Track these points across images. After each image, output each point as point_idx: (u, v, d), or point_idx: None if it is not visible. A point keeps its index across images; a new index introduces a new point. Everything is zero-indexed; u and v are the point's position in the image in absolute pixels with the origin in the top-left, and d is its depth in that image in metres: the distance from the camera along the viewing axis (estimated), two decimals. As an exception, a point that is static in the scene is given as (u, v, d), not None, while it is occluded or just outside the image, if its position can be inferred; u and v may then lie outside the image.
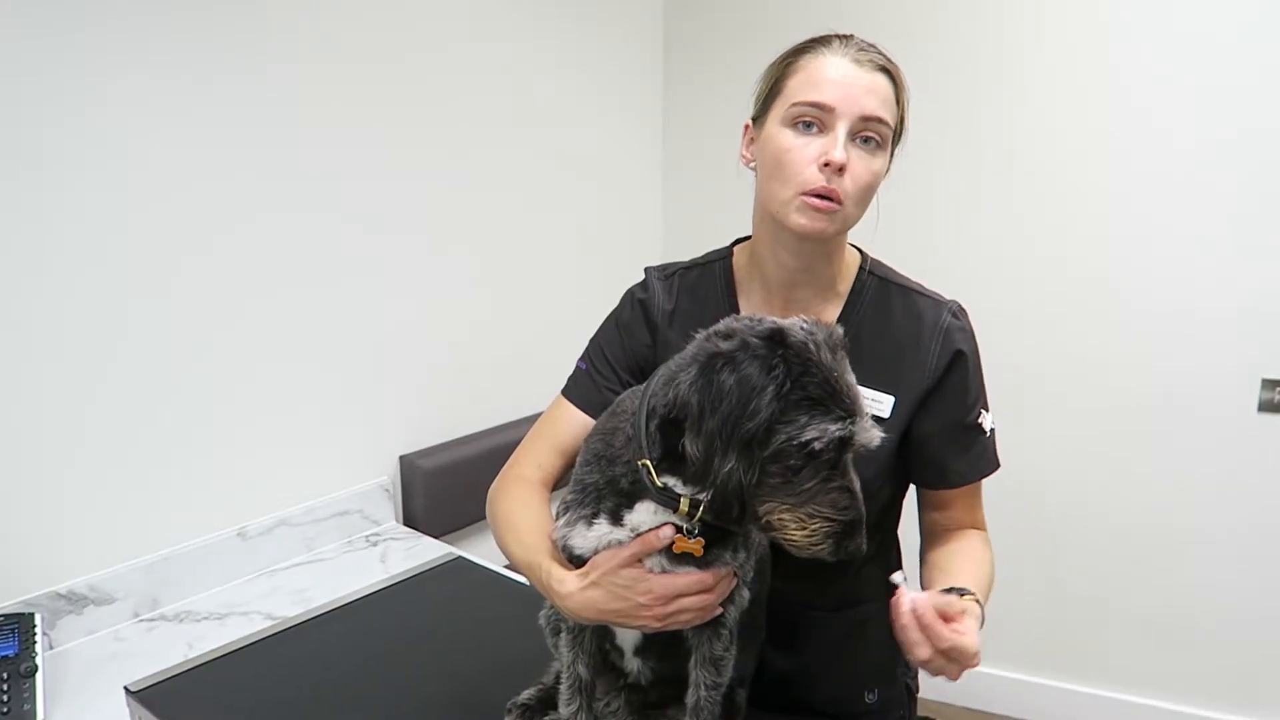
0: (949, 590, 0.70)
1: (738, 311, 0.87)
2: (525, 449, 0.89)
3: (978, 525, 0.88)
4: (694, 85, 2.01)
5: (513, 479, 0.87)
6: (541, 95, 1.72)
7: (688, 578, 0.67)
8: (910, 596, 0.64)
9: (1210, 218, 1.58)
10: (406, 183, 1.49)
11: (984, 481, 0.88)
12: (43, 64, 1.03)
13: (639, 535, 0.67)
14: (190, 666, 0.99)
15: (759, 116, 0.82)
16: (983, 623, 0.71)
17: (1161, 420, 1.68)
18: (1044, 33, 1.65)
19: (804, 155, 0.75)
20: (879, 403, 0.80)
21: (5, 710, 0.94)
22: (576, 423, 0.87)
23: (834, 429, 0.58)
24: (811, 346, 0.60)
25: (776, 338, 0.60)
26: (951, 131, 1.75)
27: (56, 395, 1.10)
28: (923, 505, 0.89)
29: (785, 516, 0.61)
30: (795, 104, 0.76)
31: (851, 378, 0.62)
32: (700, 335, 0.65)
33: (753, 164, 0.83)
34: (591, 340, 0.93)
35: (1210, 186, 1.57)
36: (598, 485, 0.70)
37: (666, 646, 0.74)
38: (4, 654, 0.99)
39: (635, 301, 0.90)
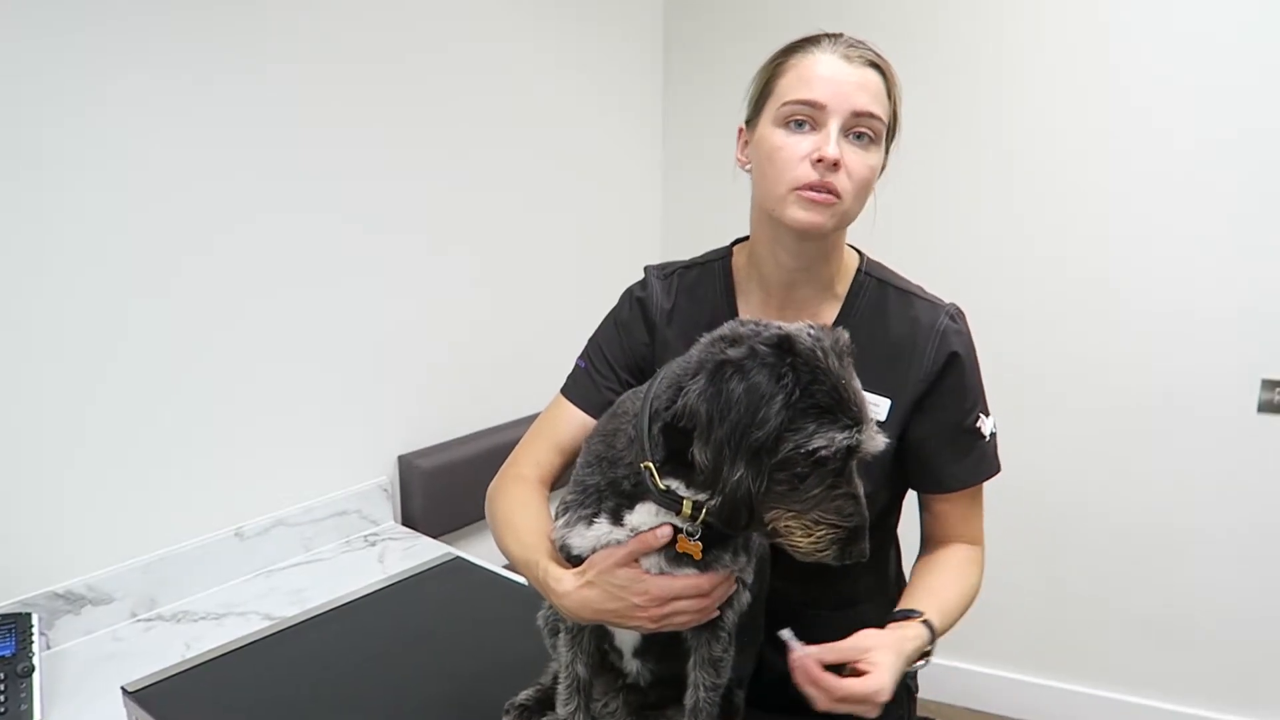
0: (902, 612, 0.74)
1: (736, 311, 0.87)
2: (524, 448, 0.90)
3: (973, 539, 0.87)
4: (694, 85, 2.01)
5: (512, 478, 0.87)
6: (541, 95, 1.72)
7: (684, 581, 0.67)
8: (797, 653, 0.67)
9: (1210, 218, 1.58)
10: (406, 183, 1.49)
11: (984, 482, 0.87)
12: (43, 64, 1.03)
13: (637, 535, 0.67)
14: (188, 667, 0.99)
15: (752, 119, 0.82)
16: (932, 641, 0.73)
17: (1161, 420, 1.68)
18: (1044, 33, 1.65)
19: (797, 152, 0.75)
20: (876, 406, 0.80)
21: (3, 710, 0.94)
22: (575, 421, 0.87)
23: (841, 438, 0.58)
24: (819, 354, 0.60)
25: (785, 345, 0.60)
26: (951, 131, 1.75)
27: (56, 395, 1.10)
28: (921, 511, 0.89)
29: (791, 523, 0.61)
30: (786, 103, 0.76)
31: (858, 384, 0.62)
32: (705, 339, 0.65)
33: (748, 167, 0.83)
34: (591, 339, 0.93)
35: (1210, 186, 1.57)
36: (599, 487, 0.70)
37: (665, 648, 0.74)
38: (1, 654, 0.99)
39: (634, 300, 0.90)
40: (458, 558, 1.31)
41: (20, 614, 1.04)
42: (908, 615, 0.75)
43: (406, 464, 1.54)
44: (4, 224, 1.03)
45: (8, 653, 0.99)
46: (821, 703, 0.66)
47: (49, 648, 1.11)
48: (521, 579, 1.20)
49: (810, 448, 0.58)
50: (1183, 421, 1.66)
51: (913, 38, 1.74)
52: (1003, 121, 1.71)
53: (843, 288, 0.84)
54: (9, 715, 0.93)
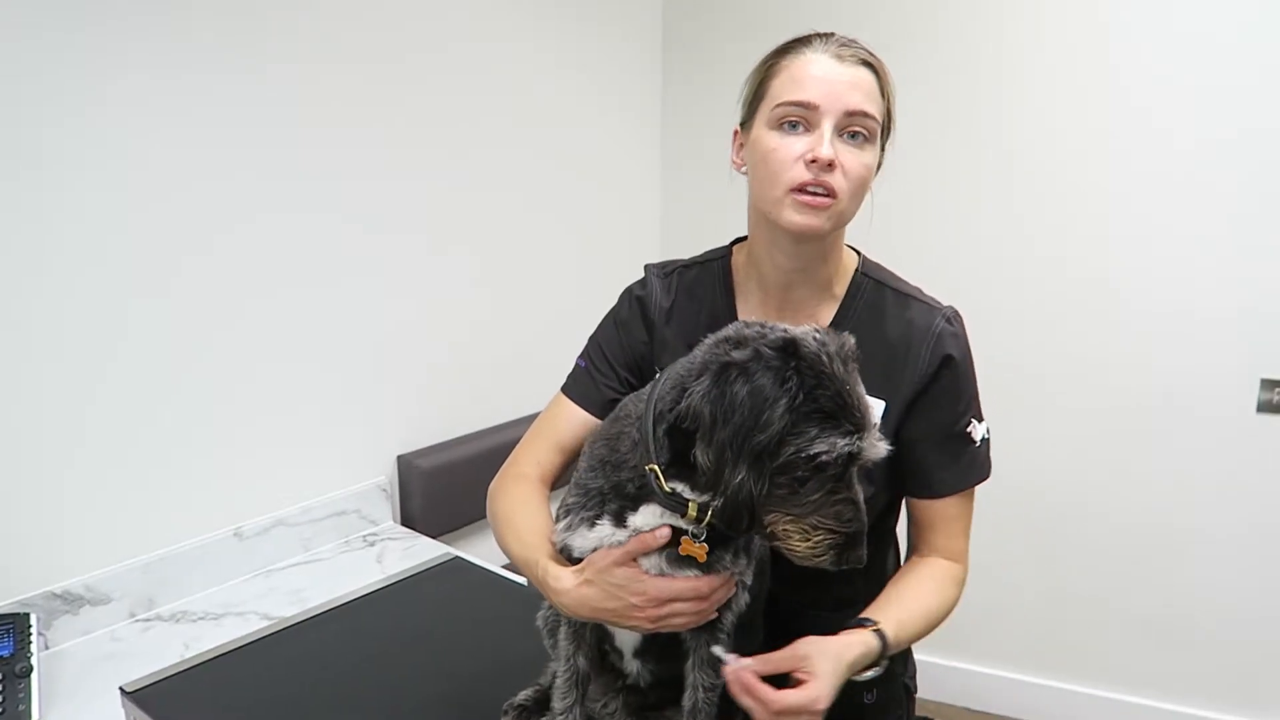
0: (857, 620, 0.73)
1: (734, 311, 0.86)
2: (525, 447, 0.90)
3: (955, 555, 0.84)
4: (693, 85, 2.01)
5: (513, 477, 0.87)
6: (541, 95, 1.72)
7: (683, 582, 0.67)
8: (732, 667, 0.67)
9: (1210, 218, 1.58)
10: (406, 183, 1.49)
11: (984, 483, 0.86)
12: (43, 64, 1.03)
13: (637, 535, 0.67)
14: (186, 667, 0.99)
15: (746, 121, 0.82)
16: (884, 652, 0.72)
17: (1161, 420, 1.68)
18: (1044, 33, 1.65)
19: (791, 153, 0.75)
20: (872, 408, 0.80)
21: (1, 711, 0.94)
22: (576, 420, 0.87)
23: (843, 443, 0.58)
24: (824, 358, 0.60)
25: (790, 349, 0.60)
26: (951, 131, 1.75)
27: (56, 395, 1.10)
28: (908, 516, 0.87)
29: (789, 527, 0.61)
30: (779, 105, 0.76)
31: (862, 390, 0.62)
32: (709, 341, 0.65)
33: (744, 169, 0.83)
34: (591, 338, 0.93)
35: (1210, 186, 1.57)
36: (601, 490, 0.70)
37: (665, 649, 0.74)
38: None
39: (633, 299, 0.90)
40: (457, 558, 1.31)
41: (18, 614, 1.04)
42: (861, 624, 0.74)
43: (405, 464, 1.54)
44: (4, 224, 1.03)
45: (6, 653, 0.99)
46: (759, 714, 0.66)
47: (47, 648, 1.11)
48: (521, 579, 1.20)
49: (811, 452, 0.58)
50: (1182, 421, 1.66)
51: (913, 38, 1.74)
52: (1003, 121, 1.71)
53: (840, 288, 0.84)
54: (7, 715, 0.93)
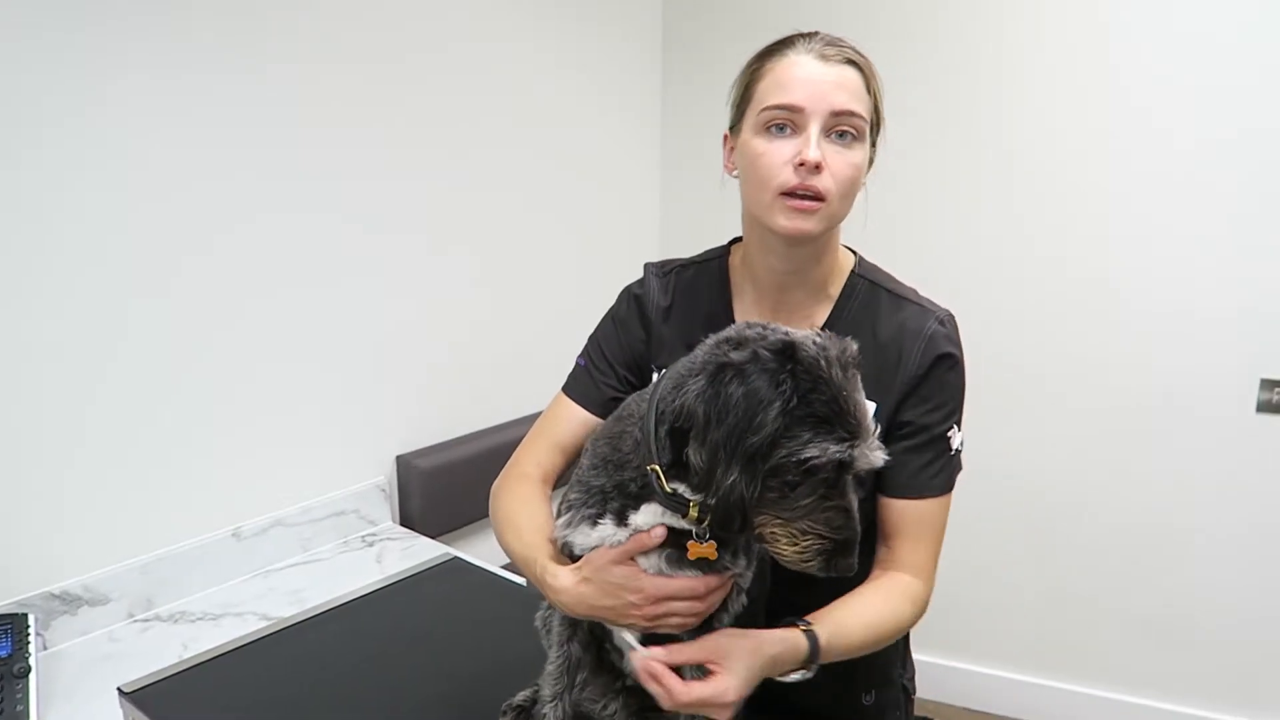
0: (789, 619, 0.71)
1: (731, 310, 0.86)
2: (526, 447, 0.90)
3: (917, 570, 0.80)
4: (693, 85, 2.01)
5: (515, 477, 0.87)
6: (541, 95, 1.72)
7: (680, 582, 0.67)
8: (639, 653, 0.67)
9: (1210, 218, 1.58)
10: (406, 183, 1.49)
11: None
12: (43, 64, 1.03)
13: (653, 529, 0.67)
14: (184, 667, 0.99)
15: (735, 125, 0.82)
16: (814, 655, 0.69)
17: (1161, 420, 1.67)
18: (1044, 33, 1.65)
19: (779, 158, 0.75)
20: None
21: None
22: (576, 419, 0.88)
23: (834, 449, 0.58)
24: (823, 363, 0.59)
25: (787, 352, 0.60)
26: (951, 131, 1.75)
27: (56, 395, 1.10)
28: (876, 528, 0.83)
29: (778, 530, 0.61)
30: (765, 109, 0.76)
31: (861, 396, 0.61)
32: (710, 341, 0.65)
33: (735, 173, 0.83)
34: (590, 337, 0.93)
35: (1210, 186, 1.57)
36: (603, 488, 0.70)
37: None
38: (-1, 654, 0.99)
39: (631, 297, 0.91)
40: (456, 558, 1.31)
41: (17, 614, 1.04)
42: (794, 623, 0.72)
43: (405, 464, 1.54)
44: (4, 224, 1.03)
45: (4, 653, 0.99)
46: (665, 703, 0.66)
47: (45, 648, 1.11)
48: (520, 579, 1.20)
49: (803, 456, 0.57)
50: (1182, 421, 1.66)
51: (913, 38, 1.74)
52: (1003, 121, 1.71)
53: (835, 289, 0.84)
54: (5, 716, 0.93)
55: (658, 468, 0.64)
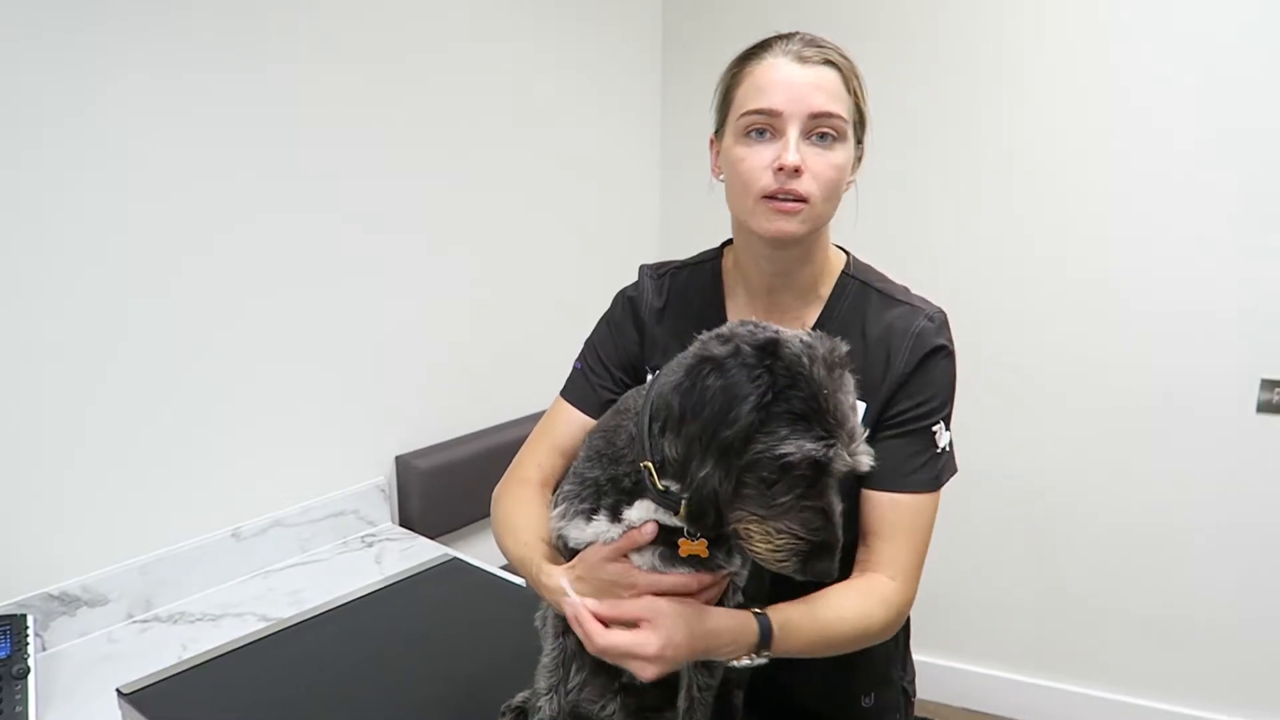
0: (746, 607, 0.70)
1: (724, 311, 0.87)
2: (527, 450, 0.91)
3: (896, 572, 0.76)
4: (693, 85, 2.01)
5: (516, 480, 0.88)
6: (541, 95, 1.72)
7: (673, 578, 0.67)
8: (572, 599, 0.67)
9: (1210, 218, 1.58)
10: (406, 183, 1.49)
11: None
12: (43, 64, 1.03)
13: (643, 525, 0.67)
14: (183, 668, 0.99)
15: (719, 129, 0.82)
16: (765, 642, 0.67)
17: (1161, 420, 1.67)
18: (1044, 33, 1.65)
19: (759, 162, 0.75)
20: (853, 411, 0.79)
21: (-1, 711, 0.94)
22: (574, 423, 0.88)
23: (810, 447, 0.57)
24: (805, 360, 0.59)
25: (769, 348, 0.60)
26: (951, 131, 1.75)
27: (56, 395, 1.10)
28: (859, 528, 0.80)
29: (753, 527, 0.60)
30: (744, 114, 0.76)
31: (846, 398, 0.61)
32: (703, 338, 0.65)
33: (721, 177, 0.83)
34: (586, 341, 0.94)
35: (1210, 186, 1.57)
36: (598, 481, 0.70)
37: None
38: (-2, 655, 0.98)
39: (626, 300, 0.91)
40: (455, 559, 1.31)
41: (15, 615, 1.04)
42: (746, 607, 0.70)
43: (404, 464, 1.54)
44: (4, 224, 1.03)
45: (3, 654, 0.99)
46: (587, 645, 0.66)
47: (44, 649, 1.10)
48: (520, 580, 1.20)
49: (777, 452, 0.57)
50: (1182, 421, 1.66)
51: (913, 38, 1.74)
52: (1003, 121, 1.71)
53: (826, 289, 0.84)
54: (4, 717, 0.93)
55: (650, 465, 0.64)
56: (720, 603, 0.71)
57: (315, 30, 1.31)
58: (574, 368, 0.92)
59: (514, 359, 1.72)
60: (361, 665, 1.01)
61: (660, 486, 0.64)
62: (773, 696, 0.88)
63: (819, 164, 0.75)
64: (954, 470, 0.82)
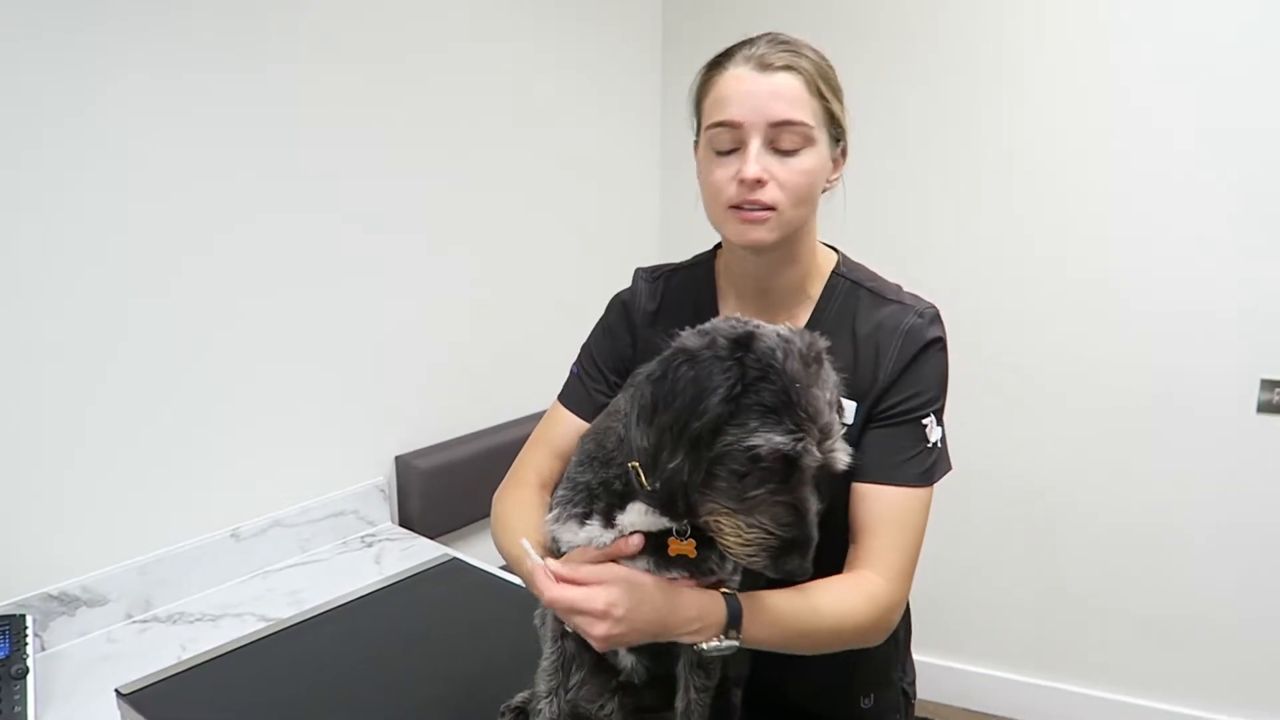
0: (716, 586, 0.69)
1: (717, 314, 0.87)
2: (526, 453, 0.91)
3: (885, 570, 0.74)
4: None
5: (515, 484, 0.89)
6: (541, 95, 1.72)
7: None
8: (534, 560, 0.68)
9: (1210, 218, 1.58)
10: (406, 183, 1.49)
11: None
12: (43, 64, 1.03)
13: (630, 534, 0.68)
14: (183, 668, 0.99)
15: (696, 139, 0.82)
16: (732, 626, 0.65)
17: (1161, 420, 1.67)
18: (1044, 33, 1.65)
19: (725, 174, 0.76)
20: (844, 410, 0.77)
21: (-2, 711, 0.94)
22: (571, 426, 0.88)
23: (779, 440, 0.57)
24: (779, 354, 0.59)
25: (744, 341, 0.60)
26: (951, 131, 1.75)
27: (56, 395, 1.10)
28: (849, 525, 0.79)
29: (723, 521, 0.60)
30: (709, 127, 0.77)
31: (823, 393, 0.60)
32: (686, 333, 0.66)
33: None
34: (583, 344, 0.94)
35: (1210, 186, 1.57)
36: (589, 485, 0.70)
37: (659, 645, 0.73)
38: (-3, 655, 0.98)
39: (619, 304, 0.92)
40: (454, 559, 1.31)
41: (14, 616, 1.04)
42: (714, 584, 0.69)
43: (404, 464, 1.54)
44: (4, 224, 1.03)
45: (2, 655, 0.99)
46: (542, 599, 0.67)
47: (43, 649, 1.10)
48: (519, 580, 1.20)
49: (746, 444, 0.57)
50: (1182, 421, 1.66)
51: (913, 38, 1.74)
52: (1003, 121, 1.71)
53: (816, 289, 0.83)
54: (3, 717, 0.93)
55: (636, 464, 0.64)
56: None
57: (315, 30, 1.31)
58: (571, 372, 0.93)
59: (514, 359, 1.72)
60: (361, 665, 1.01)
61: (648, 486, 0.64)
62: (771, 696, 0.88)
63: (784, 172, 0.74)
64: (948, 467, 0.81)
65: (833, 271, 0.84)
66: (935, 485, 0.79)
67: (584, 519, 0.70)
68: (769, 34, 0.78)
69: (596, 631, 0.64)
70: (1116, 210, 1.65)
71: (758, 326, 0.62)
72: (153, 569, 1.21)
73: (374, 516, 1.50)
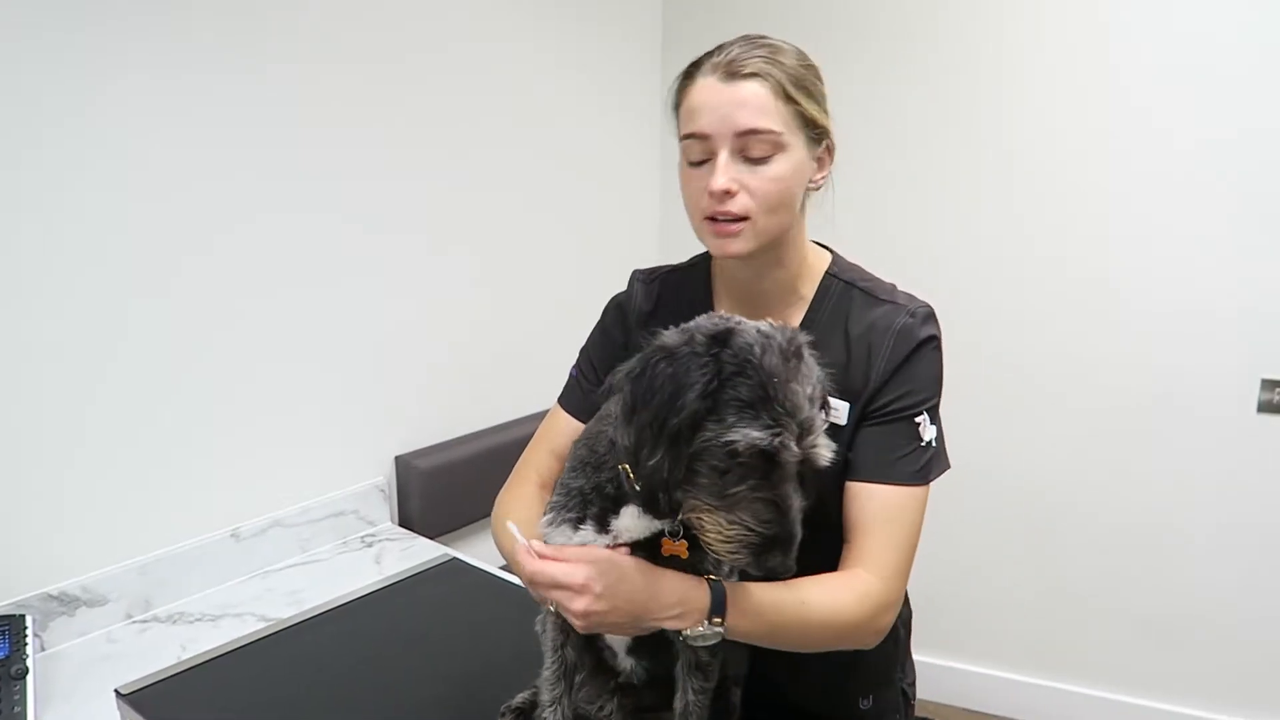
0: (705, 575, 0.68)
1: None
2: (527, 455, 0.92)
3: (878, 569, 0.74)
4: (693, 86, 2.01)
5: (516, 482, 0.90)
6: (541, 95, 1.72)
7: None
8: (519, 542, 0.69)
9: (1210, 218, 1.58)
10: (406, 183, 1.49)
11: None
12: (43, 64, 1.03)
13: (618, 544, 0.68)
14: (182, 669, 0.98)
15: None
16: (715, 613, 0.65)
17: (1161, 420, 1.67)
18: (1044, 33, 1.65)
19: (698, 185, 0.76)
20: (836, 410, 0.77)
21: (-2, 711, 0.94)
22: (569, 429, 0.89)
23: (756, 435, 0.56)
24: (756, 349, 0.58)
25: (721, 337, 0.60)
26: (951, 131, 1.75)
27: (56, 395, 1.10)
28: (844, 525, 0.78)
29: (705, 518, 0.60)
30: (682, 138, 0.78)
31: (802, 388, 0.59)
32: (672, 330, 0.66)
33: None
34: (581, 347, 0.95)
35: (1210, 186, 1.57)
36: (582, 490, 0.70)
37: (658, 644, 0.74)
38: (-3, 655, 0.98)
39: (615, 306, 0.92)
40: (454, 559, 1.31)
41: (14, 616, 1.04)
42: (703, 573, 0.68)
43: (404, 464, 1.54)
44: (4, 224, 1.03)
45: (1, 655, 0.99)
46: (520, 576, 0.69)
47: (43, 649, 1.10)
48: (518, 580, 1.20)
49: (723, 440, 0.57)
50: (1182, 421, 1.66)
51: (913, 38, 1.74)
52: (1003, 121, 1.71)
53: (809, 290, 0.83)
54: (3, 718, 0.93)
55: (626, 467, 0.64)
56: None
57: (315, 30, 1.31)
58: (570, 375, 0.93)
59: (514, 359, 1.72)
60: (361, 665, 1.01)
61: (638, 488, 0.64)
62: (770, 696, 0.88)
63: (755, 180, 0.74)
64: (945, 466, 0.81)
65: (826, 272, 0.84)
66: (932, 484, 0.79)
67: (578, 524, 0.70)
68: (745, 36, 0.77)
69: (576, 606, 0.64)
70: (1116, 210, 1.65)
71: (739, 323, 0.62)
72: (153, 569, 1.21)
73: (374, 516, 1.50)
